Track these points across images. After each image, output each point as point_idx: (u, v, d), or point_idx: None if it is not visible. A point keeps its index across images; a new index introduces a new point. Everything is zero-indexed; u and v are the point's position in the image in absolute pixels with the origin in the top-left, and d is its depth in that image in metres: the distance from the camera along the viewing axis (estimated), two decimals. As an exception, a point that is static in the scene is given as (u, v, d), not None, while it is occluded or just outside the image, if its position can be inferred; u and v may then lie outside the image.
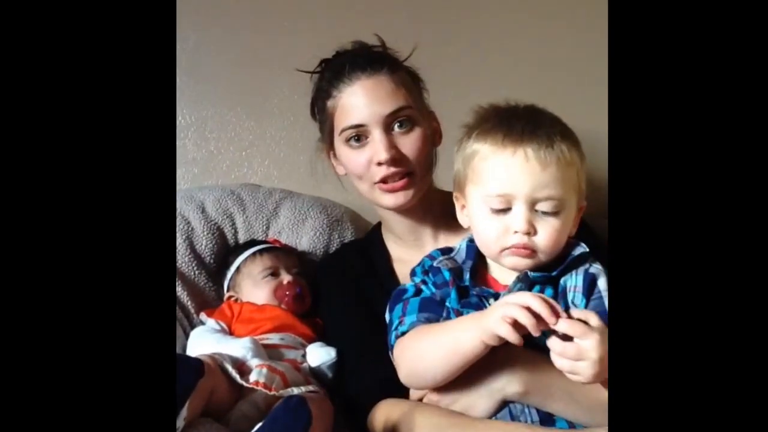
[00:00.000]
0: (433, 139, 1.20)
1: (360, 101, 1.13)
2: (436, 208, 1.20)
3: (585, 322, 0.81)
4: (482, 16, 1.79)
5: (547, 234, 0.90)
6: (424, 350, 0.93)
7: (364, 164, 1.15)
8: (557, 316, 0.81)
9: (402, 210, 1.18)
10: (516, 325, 0.81)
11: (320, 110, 1.22)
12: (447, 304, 0.97)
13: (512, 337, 0.81)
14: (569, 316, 0.82)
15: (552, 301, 0.83)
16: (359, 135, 1.14)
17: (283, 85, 1.71)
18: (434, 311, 0.97)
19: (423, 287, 1.00)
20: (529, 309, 0.81)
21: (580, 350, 0.80)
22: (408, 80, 1.18)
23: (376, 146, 1.13)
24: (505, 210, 0.90)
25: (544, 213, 0.90)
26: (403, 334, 0.97)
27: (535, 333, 0.81)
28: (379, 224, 1.32)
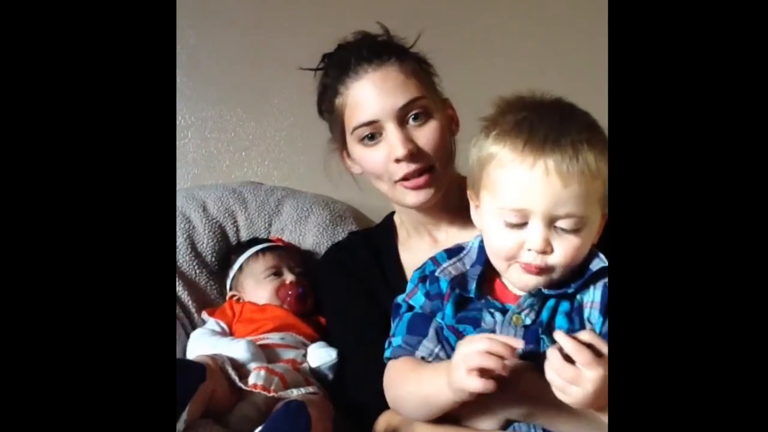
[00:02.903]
0: (450, 128, 1.13)
1: (370, 96, 1.07)
2: (455, 197, 1.13)
3: (593, 347, 0.76)
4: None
5: (565, 253, 0.83)
6: (402, 398, 0.91)
7: (381, 162, 1.09)
8: (515, 347, 0.78)
9: (424, 206, 1.13)
10: (483, 371, 0.77)
11: (328, 109, 1.16)
12: (439, 319, 0.92)
13: (484, 387, 0.77)
14: (575, 338, 0.77)
15: (507, 338, 0.79)
16: (373, 132, 1.08)
17: (283, 85, 1.71)
18: (420, 332, 0.92)
19: (411, 300, 0.95)
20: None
21: (579, 377, 0.74)
22: (418, 68, 1.12)
23: (392, 142, 1.06)
24: (521, 225, 0.83)
25: (563, 230, 0.83)
26: (388, 359, 0.94)
27: (504, 372, 0.77)
28: (393, 213, 1.27)
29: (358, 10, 1.73)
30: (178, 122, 1.74)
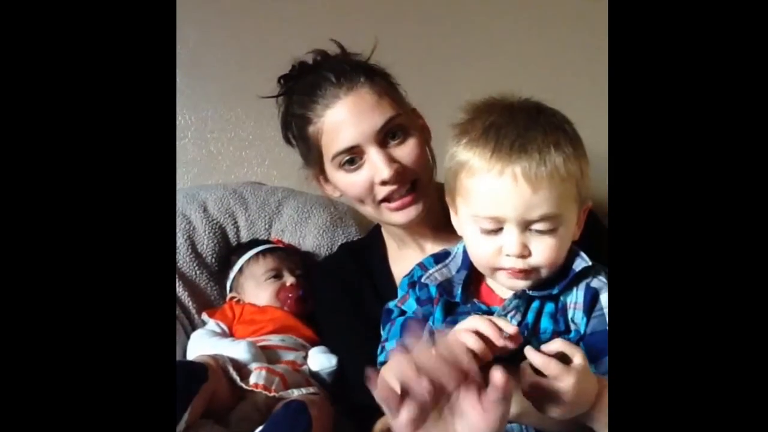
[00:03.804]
0: (426, 139, 1.14)
1: (347, 121, 1.06)
2: (437, 206, 1.13)
3: (567, 357, 0.76)
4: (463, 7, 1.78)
5: (543, 253, 0.84)
6: None
7: (364, 185, 1.08)
8: (512, 338, 0.76)
9: (413, 223, 1.13)
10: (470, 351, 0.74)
11: (300, 137, 1.15)
12: (430, 323, 0.92)
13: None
14: (543, 351, 0.76)
15: (501, 321, 0.78)
16: (353, 157, 1.07)
17: (284, 84, 1.70)
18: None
19: (404, 305, 0.96)
20: (477, 333, 0.76)
21: (551, 389, 0.74)
22: (386, 85, 1.11)
23: (376, 165, 1.06)
24: (497, 230, 0.84)
25: (539, 232, 0.83)
26: (382, 364, 0.93)
27: (486, 357, 0.75)
28: (380, 225, 1.29)
29: (357, 10, 1.74)
30: (178, 122, 1.73)
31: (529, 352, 0.76)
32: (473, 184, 0.84)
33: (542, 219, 0.82)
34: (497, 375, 0.68)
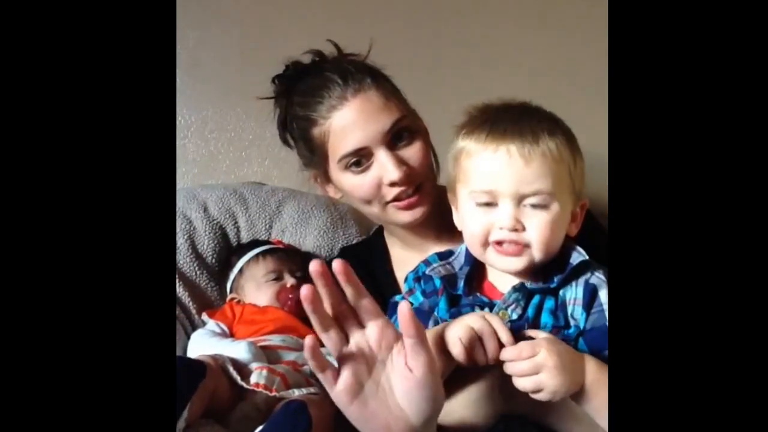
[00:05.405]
0: (428, 141, 1.15)
1: (355, 124, 1.06)
2: (438, 209, 1.15)
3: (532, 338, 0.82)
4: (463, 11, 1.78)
5: (537, 228, 0.86)
6: None
7: (372, 187, 1.09)
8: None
9: (417, 222, 1.13)
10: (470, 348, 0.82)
11: (302, 139, 1.14)
12: (435, 313, 0.94)
13: (461, 357, 0.82)
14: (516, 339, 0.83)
15: (508, 334, 0.83)
16: (360, 159, 1.08)
17: (284, 84, 1.70)
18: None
19: (410, 298, 0.98)
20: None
21: (534, 364, 0.79)
22: (389, 86, 1.11)
23: (385, 166, 1.06)
24: (491, 205, 0.88)
25: (533, 206, 0.86)
26: None
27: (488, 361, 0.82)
28: (381, 227, 1.29)
29: (357, 11, 1.74)
30: (178, 122, 1.74)
31: (502, 353, 0.81)
32: (470, 164, 0.89)
33: (535, 193, 0.86)
34: (338, 263, 0.74)
